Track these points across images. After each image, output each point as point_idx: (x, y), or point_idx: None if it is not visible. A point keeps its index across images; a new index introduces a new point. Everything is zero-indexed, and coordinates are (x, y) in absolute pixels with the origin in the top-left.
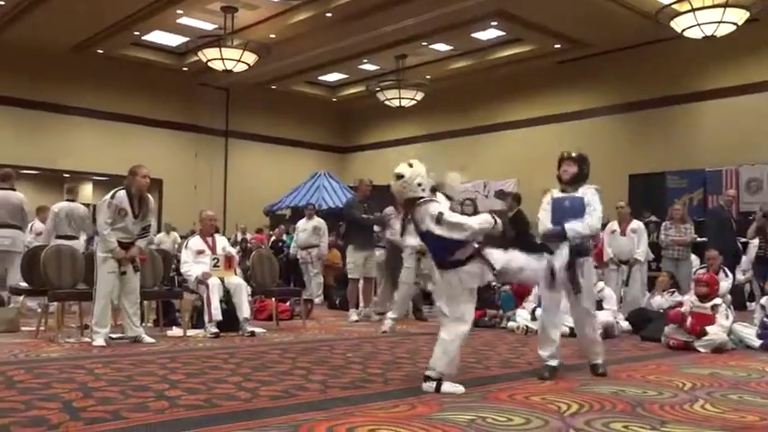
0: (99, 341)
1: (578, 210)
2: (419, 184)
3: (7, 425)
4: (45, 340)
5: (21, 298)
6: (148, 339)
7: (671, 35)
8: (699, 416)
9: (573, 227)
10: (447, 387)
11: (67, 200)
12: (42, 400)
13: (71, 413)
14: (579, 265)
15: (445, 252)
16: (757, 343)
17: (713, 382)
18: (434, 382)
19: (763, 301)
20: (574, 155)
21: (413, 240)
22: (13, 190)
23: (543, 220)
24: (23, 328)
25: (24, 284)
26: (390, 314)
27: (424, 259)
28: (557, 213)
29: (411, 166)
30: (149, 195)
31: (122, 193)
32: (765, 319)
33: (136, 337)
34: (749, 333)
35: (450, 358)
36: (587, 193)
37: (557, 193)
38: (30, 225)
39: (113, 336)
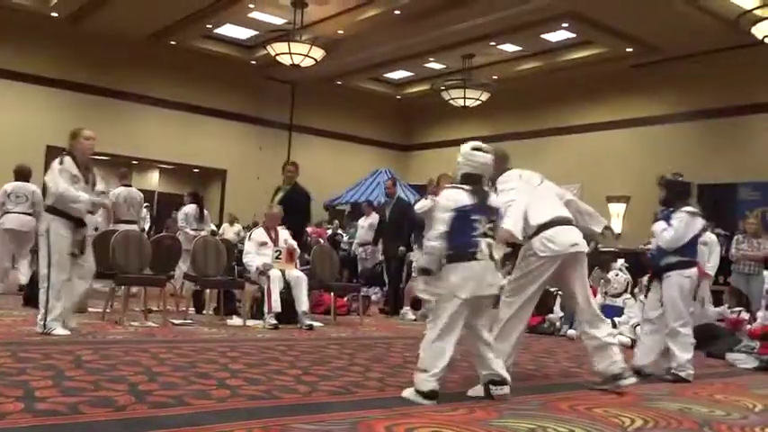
0: (59, 329)
1: None
2: None
3: (77, 404)
4: (110, 322)
5: None
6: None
7: (750, 41)
8: None
9: None
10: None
11: (123, 185)
12: (109, 381)
13: (137, 396)
14: None
15: None
16: None
17: None
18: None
19: None
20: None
21: None
22: None
23: None
24: (90, 309)
25: None
26: None
27: None
28: None
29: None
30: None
31: (69, 159)
32: None
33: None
34: None
35: None
36: None
37: None
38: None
39: (176, 321)
